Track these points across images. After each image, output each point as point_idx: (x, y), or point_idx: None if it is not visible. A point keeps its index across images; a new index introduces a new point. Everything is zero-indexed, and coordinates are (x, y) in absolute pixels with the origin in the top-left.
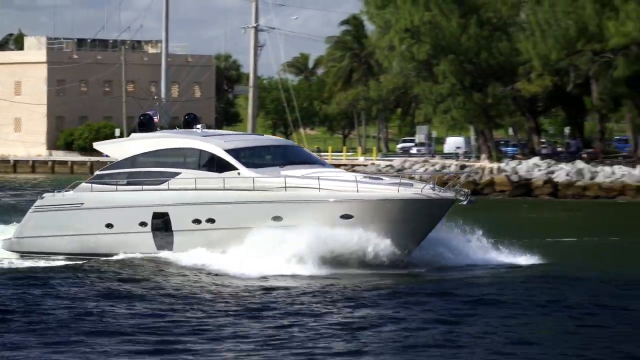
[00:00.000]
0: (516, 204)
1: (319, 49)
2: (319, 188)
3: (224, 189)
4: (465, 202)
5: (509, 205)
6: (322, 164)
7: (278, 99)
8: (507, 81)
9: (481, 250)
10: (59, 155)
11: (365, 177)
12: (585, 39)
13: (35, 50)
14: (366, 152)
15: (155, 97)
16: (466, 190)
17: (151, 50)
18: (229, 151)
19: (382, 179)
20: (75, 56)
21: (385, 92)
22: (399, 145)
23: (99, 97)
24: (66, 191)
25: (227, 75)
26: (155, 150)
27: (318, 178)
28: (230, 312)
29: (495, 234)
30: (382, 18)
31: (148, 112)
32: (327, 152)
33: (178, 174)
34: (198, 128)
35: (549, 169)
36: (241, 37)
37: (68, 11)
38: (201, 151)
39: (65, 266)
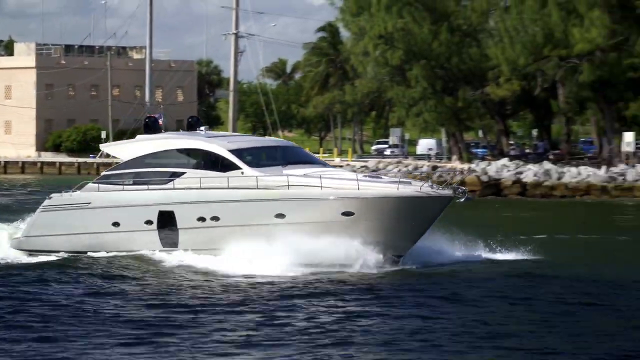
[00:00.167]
0: (487, 203)
1: (296, 54)
2: (321, 186)
3: (228, 188)
4: (462, 200)
5: (480, 205)
6: (323, 163)
7: (257, 102)
8: (476, 85)
9: (460, 247)
10: (48, 157)
11: (365, 175)
12: (552, 45)
13: (24, 55)
14: (342, 153)
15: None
16: (463, 188)
17: (136, 56)
18: (232, 151)
19: (381, 178)
20: (63, 62)
21: (360, 96)
22: (374, 147)
23: (86, 101)
24: (73, 191)
25: (208, 80)
26: (161, 151)
27: (320, 176)
28: (217, 309)
29: (471, 232)
30: (356, 25)
31: (153, 115)
32: None
33: (183, 173)
34: (202, 130)
35: (517, 170)
36: (222, 44)
37: (56, 18)
38: (206, 152)
39: (68, 264)
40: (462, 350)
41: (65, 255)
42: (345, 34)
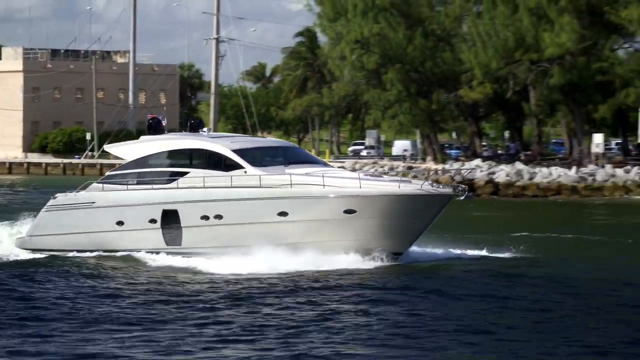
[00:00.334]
0: (460, 203)
1: (275, 58)
2: (323, 185)
3: (232, 187)
4: (462, 198)
5: (454, 204)
6: (323, 163)
7: (237, 105)
8: (450, 88)
9: (440, 245)
10: (34, 158)
11: (366, 175)
12: (523, 49)
13: (12, 60)
14: (319, 154)
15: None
16: (463, 187)
17: (120, 60)
18: (235, 151)
19: (382, 177)
20: (50, 65)
21: (337, 99)
22: (350, 148)
23: (72, 104)
24: (78, 191)
25: (190, 83)
26: (165, 152)
27: (322, 175)
28: (206, 306)
29: (447, 230)
30: (334, 30)
31: (157, 116)
32: None
33: (187, 173)
34: (204, 131)
35: (490, 170)
36: (203, 48)
37: (43, 24)
38: (209, 152)
39: (69, 263)
40: (444, 347)
41: (69, 254)
42: (322, 38)
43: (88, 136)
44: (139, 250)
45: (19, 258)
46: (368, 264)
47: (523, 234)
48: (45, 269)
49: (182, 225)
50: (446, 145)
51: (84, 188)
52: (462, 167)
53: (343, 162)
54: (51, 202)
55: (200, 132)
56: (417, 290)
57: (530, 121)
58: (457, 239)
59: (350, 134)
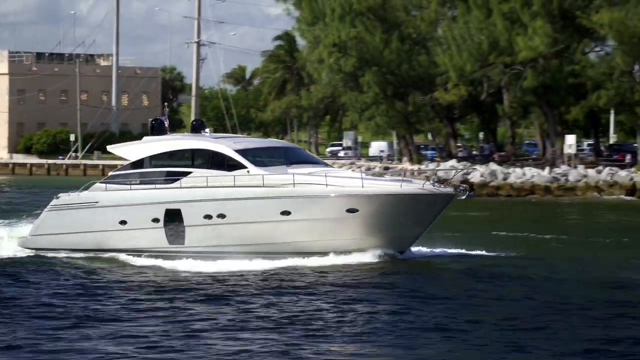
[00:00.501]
0: None
1: (255, 61)
2: (326, 184)
3: (235, 186)
4: (464, 197)
5: None
6: (324, 164)
7: (218, 107)
8: (426, 91)
9: (419, 244)
10: (19, 158)
11: (368, 174)
12: (497, 52)
13: None
14: None
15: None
16: (465, 186)
17: (103, 63)
18: (238, 151)
19: (384, 177)
20: (35, 68)
21: (315, 101)
22: (328, 149)
23: (56, 106)
24: (81, 191)
25: (172, 86)
26: (167, 152)
27: (325, 175)
28: (203, 304)
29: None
30: (312, 34)
31: (159, 117)
32: None
33: (190, 173)
34: (206, 132)
35: (465, 171)
36: (185, 51)
37: (28, 28)
38: (212, 152)
39: (69, 263)
40: (421, 345)
41: (72, 253)
42: (301, 42)
43: (72, 137)
44: (141, 250)
45: (20, 257)
46: (369, 263)
47: (500, 233)
48: (41, 268)
49: (185, 224)
50: (422, 146)
51: (86, 188)
52: (460, 168)
53: None
54: (54, 201)
55: (203, 133)
56: (401, 289)
57: (504, 123)
58: (432, 237)
59: (328, 135)
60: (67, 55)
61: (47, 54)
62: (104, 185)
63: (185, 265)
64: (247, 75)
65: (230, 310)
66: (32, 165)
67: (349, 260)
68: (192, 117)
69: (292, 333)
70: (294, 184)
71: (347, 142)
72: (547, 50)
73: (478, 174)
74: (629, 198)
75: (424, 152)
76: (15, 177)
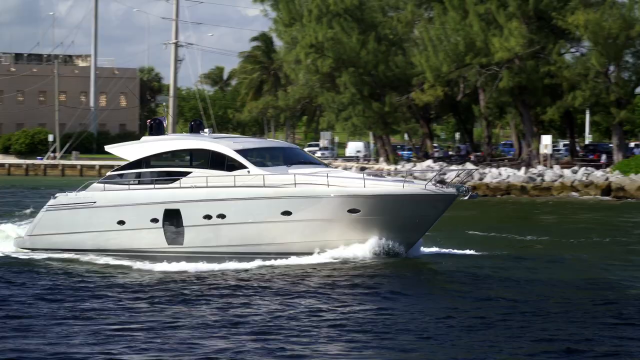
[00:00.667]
0: None
1: (232, 62)
2: (328, 184)
3: (235, 186)
4: (467, 198)
5: None
6: (324, 164)
7: (196, 107)
8: (402, 91)
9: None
10: None
11: (369, 175)
12: (473, 53)
13: None
14: None
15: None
16: (467, 187)
17: (81, 64)
18: (238, 151)
19: (385, 178)
20: (13, 69)
21: (292, 102)
22: (305, 149)
23: (35, 106)
24: (78, 191)
25: (149, 86)
26: (167, 152)
27: (327, 175)
28: (200, 303)
29: None
30: (289, 35)
31: (158, 117)
32: None
33: (189, 173)
34: (205, 132)
35: (442, 171)
36: (162, 52)
37: (7, 29)
38: (212, 152)
39: (66, 263)
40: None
41: (69, 254)
42: (278, 43)
43: (50, 137)
44: (140, 250)
45: (16, 257)
46: (369, 262)
47: (476, 233)
48: (34, 268)
49: (184, 224)
50: (398, 147)
51: (84, 188)
52: (463, 168)
53: None
54: (51, 201)
55: (202, 133)
56: (388, 287)
57: (480, 123)
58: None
59: (305, 135)
60: (45, 56)
61: (25, 55)
62: (101, 185)
63: (175, 266)
64: (225, 76)
65: (219, 310)
66: (10, 165)
67: (340, 259)
68: (170, 118)
69: (275, 333)
70: (295, 184)
71: (323, 142)
72: (523, 51)
73: (454, 174)
74: (604, 198)
75: (400, 153)
76: None
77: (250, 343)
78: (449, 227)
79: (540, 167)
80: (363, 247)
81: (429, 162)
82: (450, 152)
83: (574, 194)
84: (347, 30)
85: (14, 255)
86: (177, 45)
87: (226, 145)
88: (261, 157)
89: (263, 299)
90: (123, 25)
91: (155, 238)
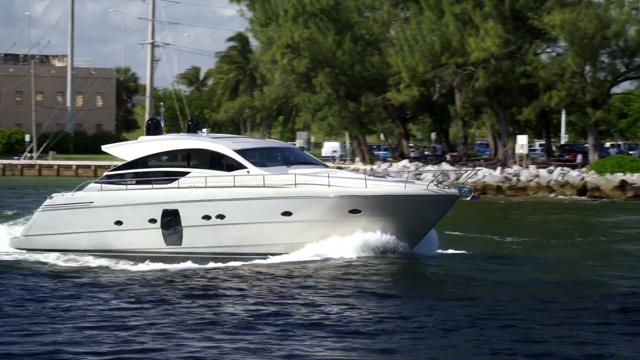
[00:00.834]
0: None
1: (208, 62)
2: (329, 184)
3: (235, 186)
4: (469, 198)
5: None
6: (323, 165)
7: (172, 107)
8: (378, 91)
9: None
10: None
11: (370, 175)
12: (449, 53)
13: None
14: None
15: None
16: (468, 187)
17: (58, 64)
18: (238, 151)
19: (387, 178)
20: None
21: (268, 102)
22: None
23: (11, 106)
24: (75, 191)
25: (126, 86)
26: (165, 152)
27: (328, 175)
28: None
29: None
30: (265, 35)
31: (156, 117)
32: None
33: (188, 173)
34: (203, 132)
35: (418, 170)
36: (139, 52)
37: None
38: (211, 152)
39: (62, 263)
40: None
41: (65, 254)
42: (254, 43)
43: (27, 138)
44: (137, 251)
45: (11, 258)
46: (369, 263)
47: (455, 233)
48: (26, 268)
49: (182, 225)
50: (374, 147)
51: (80, 188)
52: (466, 169)
53: None
54: (47, 201)
55: (199, 133)
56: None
57: (456, 123)
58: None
59: (281, 135)
60: (22, 56)
61: (2, 55)
62: (99, 185)
63: (155, 266)
64: (201, 76)
65: (206, 307)
66: None
67: (340, 259)
68: (147, 118)
69: (261, 332)
70: (295, 184)
71: (299, 142)
72: (499, 51)
73: (430, 174)
74: (580, 198)
75: (376, 153)
76: None
77: (230, 343)
78: None
79: (516, 167)
80: (363, 247)
81: (405, 162)
82: (426, 152)
83: (550, 195)
84: (323, 30)
85: (7, 255)
86: (153, 45)
87: (225, 145)
88: (260, 157)
89: (245, 299)
90: (99, 25)
91: (153, 238)
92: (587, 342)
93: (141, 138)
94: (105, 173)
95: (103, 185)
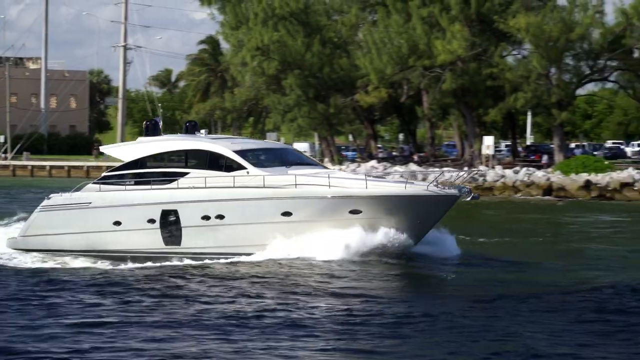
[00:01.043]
0: None
1: (180, 64)
2: (329, 185)
3: (234, 187)
4: (469, 199)
5: None
6: (323, 166)
7: (144, 109)
8: (347, 93)
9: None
10: None
11: (370, 176)
12: (416, 56)
13: None
14: None
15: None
16: (468, 187)
17: (32, 66)
18: (237, 152)
19: (386, 179)
20: None
21: (238, 103)
22: None
23: None
24: (73, 192)
25: (99, 88)
26: (163, 152)
27: (328, 175)
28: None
29: None
30: (235, 38)
31: (154, 118)
32: None
33: (187, 174)
34: (202, 133)
35: (385, 171)
36: (112, 55)
37: None
38: (210, 152)
39: (60, 263)
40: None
41: (63, 254)
42: (225, 46)
43: (1, 138)
44: (136, 251)
45: (9, 259)
46: (369, 263)
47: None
48: (20, 269)
49: (181, 225)
50: (343, 148)
51: (79, 189)
52: (469, 170)
53: None
54: (45, 202)
55: (197, 134)
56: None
57: (423, 124)
58: None
59: (251, 136)
60: None
61: None
62: (97, 185)
63: (140, 264)
64: (173, 78)
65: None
66: None
67: (340, 259)
68: (120, 119)
69: (246, 332)
70: (295, 184)
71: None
72: (466, 54)
73: (398, 174)
74: (545, 198)
75: (345, 153)
76: None
77: (217, 343)
78: None
79: (482, 168)
80: (363, 247)
81: (373, 162)
82: (394, 153)
83: (516, 195)
84: (293, 33)
85: (5, 256)
86: (126, 48)
87: (224, 145)
88: (260, 158)
89: (234, 297)
90: (73, 28)
91: (152, 239)
92: (560, 343)
93: (140, 139)
94: (104, 174)
95: (101, 185)
